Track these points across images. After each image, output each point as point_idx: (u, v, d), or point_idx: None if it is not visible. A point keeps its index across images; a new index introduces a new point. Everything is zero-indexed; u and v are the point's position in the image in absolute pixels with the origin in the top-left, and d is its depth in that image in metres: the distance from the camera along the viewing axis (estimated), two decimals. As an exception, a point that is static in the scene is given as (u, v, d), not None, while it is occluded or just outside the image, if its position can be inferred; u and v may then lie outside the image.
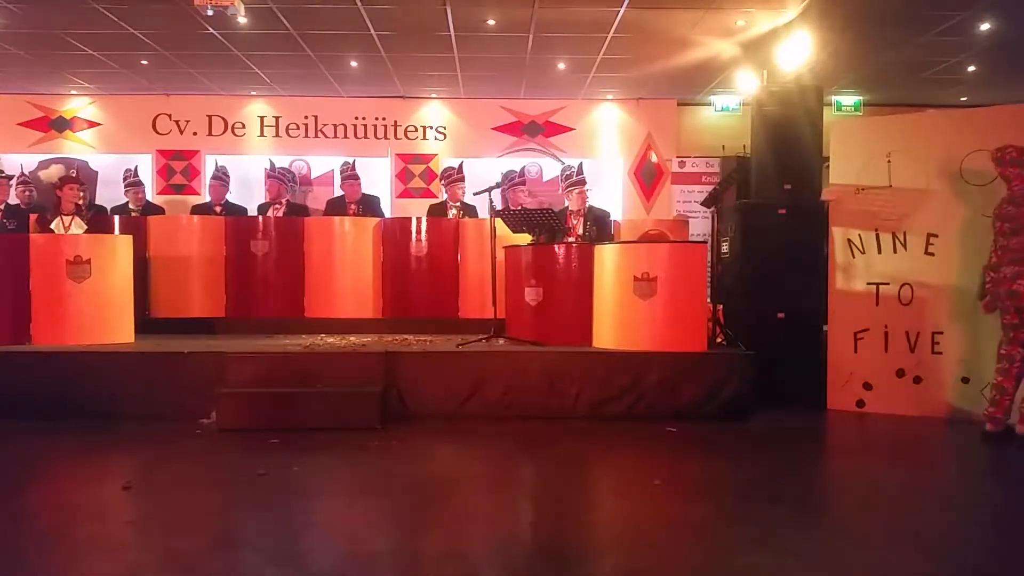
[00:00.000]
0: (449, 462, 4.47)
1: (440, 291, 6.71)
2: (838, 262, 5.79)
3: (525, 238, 6.32)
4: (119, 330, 5.79)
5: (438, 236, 6.76)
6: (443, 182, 7.69)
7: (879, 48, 8.09)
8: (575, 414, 5.26)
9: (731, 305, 6.11)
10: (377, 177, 10.04)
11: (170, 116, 10.24)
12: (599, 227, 6.61)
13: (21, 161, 9.19)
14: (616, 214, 9.19)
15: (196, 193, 9.99)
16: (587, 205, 6.72)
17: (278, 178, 7.80)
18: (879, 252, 5.66)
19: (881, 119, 7.10)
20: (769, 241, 5.93)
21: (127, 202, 7.76)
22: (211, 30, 7.53)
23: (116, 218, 6.96)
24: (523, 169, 9.40)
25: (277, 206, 7.50)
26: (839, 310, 5.78)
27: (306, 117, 10.31)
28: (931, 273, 5.48)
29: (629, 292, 5.37)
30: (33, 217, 6.74)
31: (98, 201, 8.66)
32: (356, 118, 10.31)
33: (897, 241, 5.60)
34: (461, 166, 7.59)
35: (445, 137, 10.39)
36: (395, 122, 10.34)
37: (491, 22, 7.34)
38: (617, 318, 5.49)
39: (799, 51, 7.31)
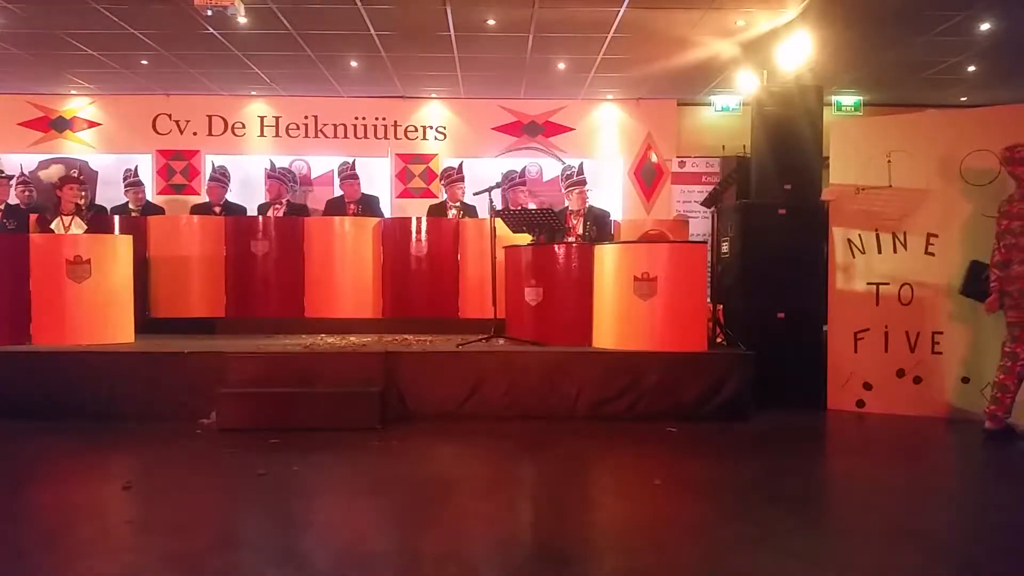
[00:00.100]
0: (449, 462, 4.47)
1: (440, 291, 6.71)
2: (838, 262, 5.79)
3: (525, 238, 6.32)
4: (119, 330, 5.79)
5: (438, 236, 6.76)
6: (443, 182, 7.69)
7: (879, 48, 8.09)
8: (575, 414, 5.27)
9: (731, 305, 6.11)
10: (377, 177, 10.04)
11: (170, 116, 10.23)
12: (599, 227, 6.61)
13: (21, 161, 9.19)
14: (616, 214, 9.19)
15: (196, 193, 9.98)
16: (587, 205, 6.72)
17: (278, 178, 7.80)
18: (879, 252, 5.66)
19: (881, 119, 7.10)
20: (769, 241, 5.92)
21: (127, 202, 7.76)
22: (211, 30, 7.53)
23: (116, 218, 6.97)
24: (524, 169, 9.41)
25: (277, 206, 7.49)
26: (839, 310, 5.78)
27: (306, 117, 10.30)
28: (931, 273, 5.48)
29: (629, 292, 5.37)
30: (33, 217, 6.74)
31: (98, 201, 8.66)
32: (356, 118, 10.31)
33: (897, 241, 5.60)
34: (461, 166, 7.58)
35: (445, 137, 10.39)
36: (395, 122, 10.33)
37: (491, 22, 7.34)
38: (617, 318, 5.49)
39: (799, 51, 7.31)
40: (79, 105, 10.21)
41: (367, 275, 6.75)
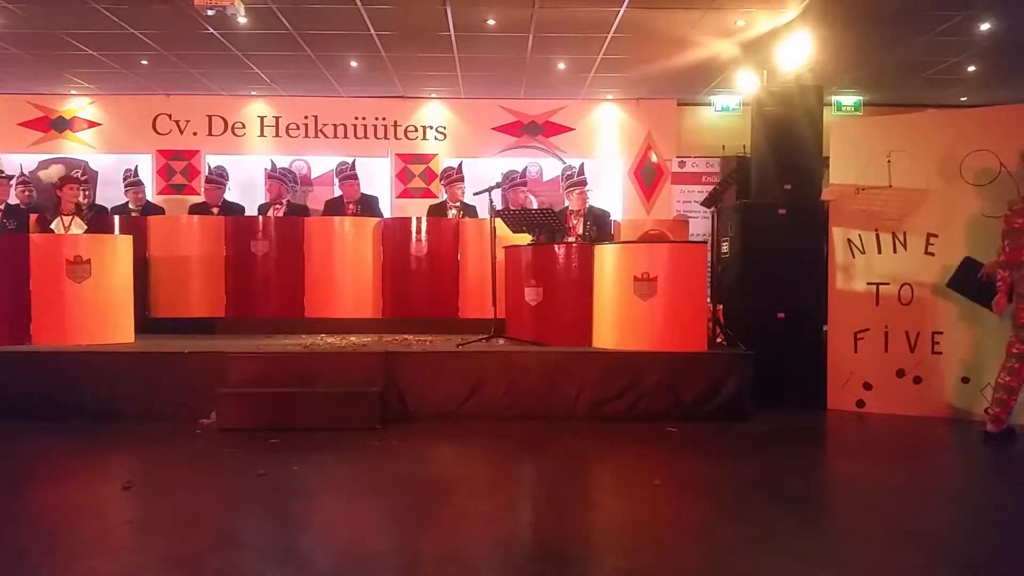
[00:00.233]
0: (449, 462, 4.47)
1: (440, 291, 6.71)
2: (838, 262, 5.79)
3: (525, 238, 6.32)
4: (119, 330, 5.79)
5: (438, 236, 6.76)
6: (443, 182, 7.69)
7: (879, 48, 8.09)
8: (575, 414, 5.27)
9: (731, 305, 6.11)
10: (377, 177, 10.04)
11: (170, 116, 10.24)
12: (599, 227, 6.60)
13: (21, 161, 9.18)
14: (616, 214, 9.19)
15: (196, 193, 9.97)
16: (587, 205, 6.72)
17: (279, 178, 7.79)
18: (879, 252, 5.66)
19: (881, 119, 7.10)
20: (769, 241, 5.92)
21: (127, 202, 7.76)
22: (211, 30, 7.53)
23: (116, 218, 6.96)
24: (524, 169, 9.40)
25: (277, 206, 7.49)
26: (839, 310, 5.78)
27: (306, 117, 10.31)
28: (931, 273, 5.48)
29: (629, 292, 5.37)
30: (33, 217, 6.73)
31: (98, 201, 8.66)
32: (356, 118, 10.31)
33: (897, 241, 5.60)
34: (461, 166, 7.58)
35: (445, 137, 10.39)
36: (395, 122, 10.34)
37: (491, 22, 7.34)
38: (617, 318, 5.49)
39: (799, 51, 7.31)
40: (79, 105, 10.21)
41: (367, 275, 6.74)
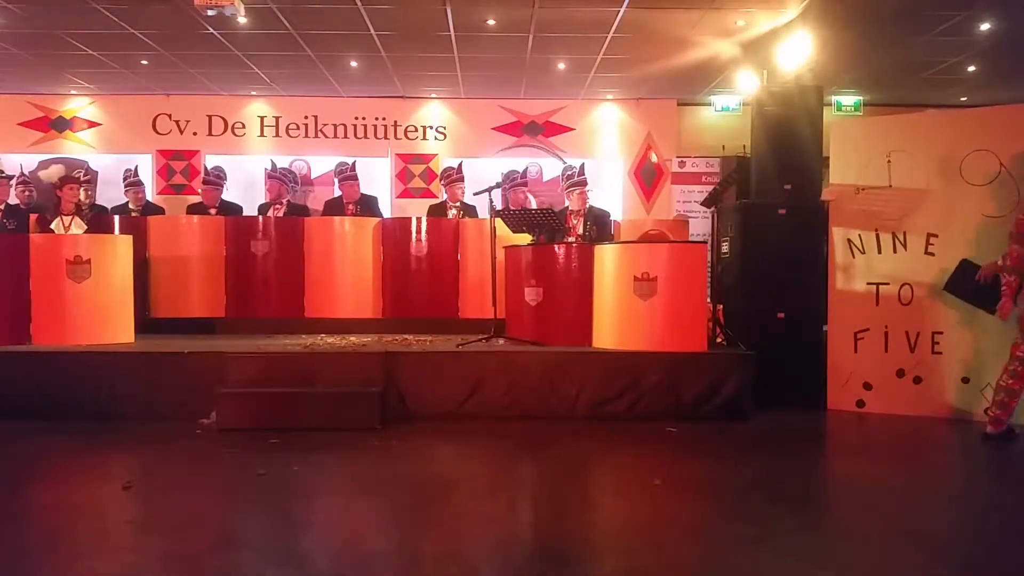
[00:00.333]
0: (449, 462, 4.47)
1: (440, 291, 6.71)
2: (838, 262, 5.79)
3: (525, 238, 6.32)
4: (119, 330, 5.79)
5: (438, 236, 6.76)
6: (443, 182, 7.68)
7: (879, 48, 8.09)
8: (575, 414, 5.26)
9: (731, 305, 6.11)
10: (377, 177, 10.04)
11: (170, 116, 10.24)
12: (599, 227, 6.60)
13: (21, 161, 9.18)
14: (616, 214, 9.18)
15: (196, 193, 9.94)
16: (587, 205, 6.72)
17: (279, 178, 7.79)
18: (879, 252, 5.66)
19: (881, 119, 7.10)
20: (769, 241, 5.92)
21: (127, 202, 7.76)
22: (211, 30, 7.53)
23: (116, 218, 6.96)
24: (524, 169, 9.40)
25: (278, 206, 7.48)
26: (839, 310, 5.78)
27: (306, 117, 10.31)
28: (931, 273, 5.48)
29: (629, 292, 5.37)
30: (33, 217, 6.73)
31: (98, 201, 8.64)
32: (356, 118, 10.31)
33: (897, 241, 5.60)
34: (461, 166, 7.58)
35: (445, 137, 10.39)
36: (395, 122, 10.34)
37: (491, 22, 7.34)
38: (617, 318, 5.49)
39: (799, 51, 7.31)
40: (79, 105, 10.21)
41: (367, 275, 6.74)
